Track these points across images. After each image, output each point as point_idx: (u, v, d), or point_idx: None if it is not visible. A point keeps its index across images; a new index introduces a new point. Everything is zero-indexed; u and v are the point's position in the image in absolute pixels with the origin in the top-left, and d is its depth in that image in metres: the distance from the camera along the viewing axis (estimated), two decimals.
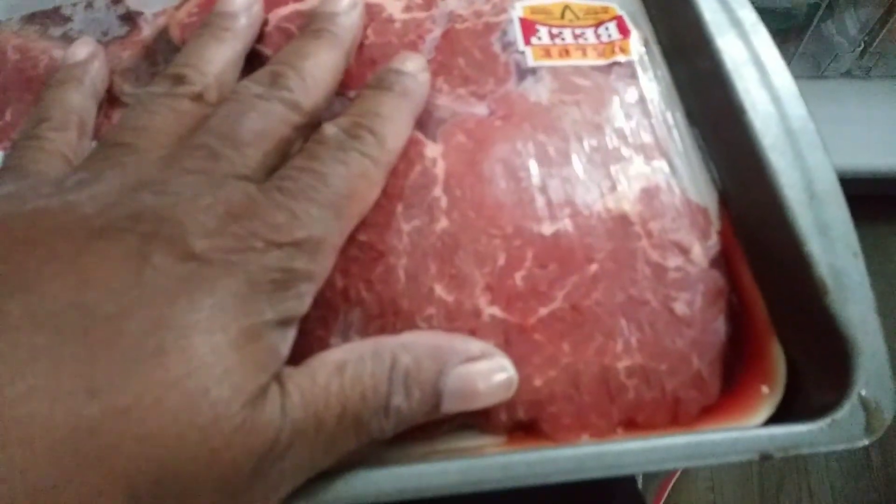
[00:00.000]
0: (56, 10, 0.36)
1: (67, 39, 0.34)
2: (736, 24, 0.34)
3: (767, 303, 0.29)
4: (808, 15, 0.83)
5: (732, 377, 0.28)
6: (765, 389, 0.27)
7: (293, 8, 0.36)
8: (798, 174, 0.29)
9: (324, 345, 0.27)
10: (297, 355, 0.26)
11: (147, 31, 0.35)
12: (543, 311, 0.27)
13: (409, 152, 0.31)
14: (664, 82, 0.35)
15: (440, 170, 0.31)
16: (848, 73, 0.89)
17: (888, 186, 0.86)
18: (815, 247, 0.27)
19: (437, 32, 0.36)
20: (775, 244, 0.29)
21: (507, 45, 0.35)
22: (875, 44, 0.84)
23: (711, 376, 0.27)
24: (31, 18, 0.36)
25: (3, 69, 0.33)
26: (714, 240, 0.30)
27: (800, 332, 0.28)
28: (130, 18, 0.35)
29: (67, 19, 0.35)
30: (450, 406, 0.24)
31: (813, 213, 0.28)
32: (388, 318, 0.27)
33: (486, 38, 0.36)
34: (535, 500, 0.32)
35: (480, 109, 0.33)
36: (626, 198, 0.30)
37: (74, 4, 0.36)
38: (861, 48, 0.85)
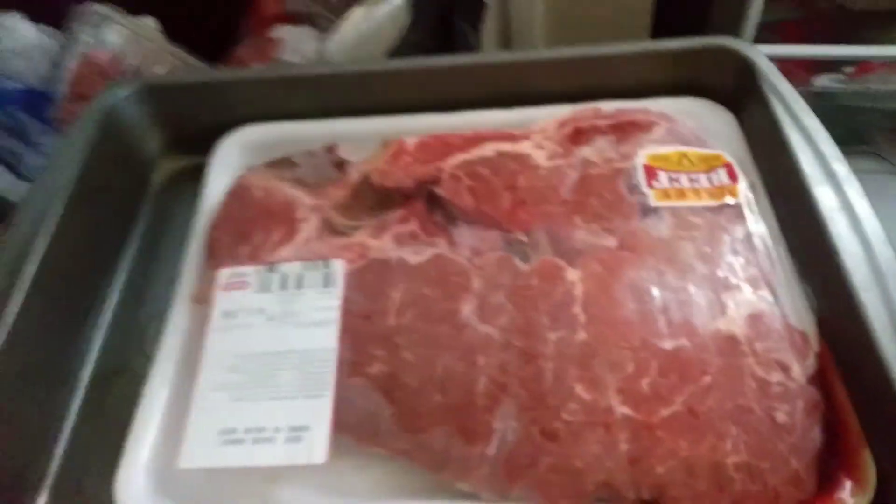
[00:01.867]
0: (287, 158, 0.48)
1: (297, 181, 0.46)
2: (830, 176, 0.41)
3: (860, 418, 0.34)
4: None
5: (828, 481, 0.33)
6: (856, 490, 0.33)
7: (461, 157, 0.46)
8: (884, 310, 0.35)
9: (489, 427, 0.35)
10: (468, 432, 0.35)
11: (354, 176, 0.46)
12: (665, 412, 0.34)
13: (553, 276, 0.40)
14: (768, 221, 0.42)
15: (579, 291, 0.39)
16: None
17: None
18: None
19: (574, 176, 0.45)
20: (866, 369, 0.34)
21: (633, 188, 0.44)
22: None
23: (808, 476, 0.33)
24: (270, 165, 0.48)
25: (253, 204, 0.45)
26: (811, 360, 0.36)
27: (889, 446, 0.33)
28: (341, 165, 0.47)
29: (295, 165, 0.47)
30: None
31: None
32: (539, 410, 0.35)
33: (614, 181, 0.44)
34: None
35: (610, 242, 0.41)
36: (735, 321, 0.37)
37: (301, 154, 0.48)
38: None
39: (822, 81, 0.82)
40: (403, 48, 0.65)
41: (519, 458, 0.34)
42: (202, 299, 0.42)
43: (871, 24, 0.83)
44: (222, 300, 0.41)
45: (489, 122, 0.49)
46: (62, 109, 0.64)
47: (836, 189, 0.40)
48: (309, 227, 0.43)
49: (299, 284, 0.41)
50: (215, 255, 0.44)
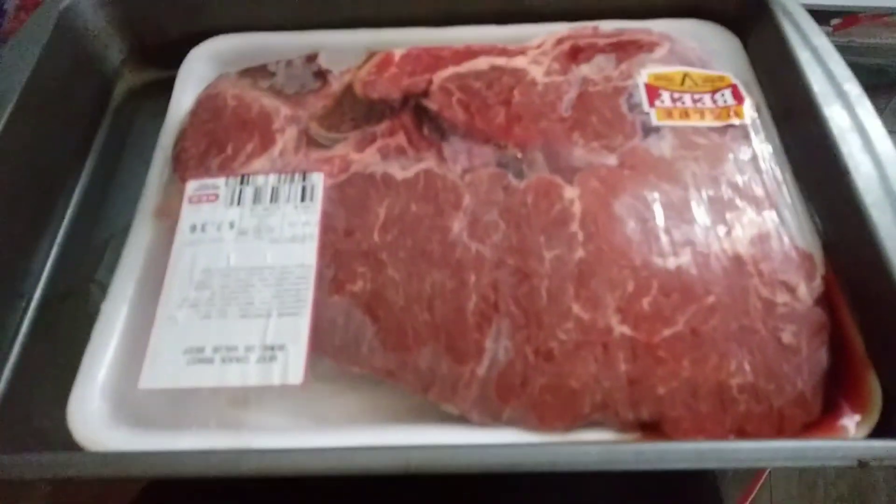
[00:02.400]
0: (263, 66, 0.44)
1: (274, 91, 0.43)
2: (842, 95, 0.38)
3: (865, 340, 0.33)
4: None
5: (833, 401, 0.32)
6: (861, 413, 0.31)
7: (453, 70, 0.43)
8: None
9: (480, 346, 0.33)
10: (457, 351, 0.32)
11: (335, 85, 0.42)
12: (667, 332, 0.32)
13: (550, 193, 0.37)
14: (774, 143, 0.40)
15: (577, 209, 0.36)
16: None
17: None
18: None
19: (572, 94, 0.42)
20: (874, 290, 0.33)
21: (634, 107, 0.41)
22: None
23: (814, 397, 0.31)
24: (244, 73, 0.44)
25: (225, 113, 0.41)
26: (818, 282, 0.34)
27: (894, 366, 0.31)
28: (322, 75, 0.43)
29: (272, 74, 0.44)
30: None
31: None
32: (533, 328, 0.33)
33: (615, 99, 0.42)
34: (630, 489, 0.35)
35: (611, 160, 0.39)
36: (740, 241, 0.35)
37: (277, 62, 0.44)
38: None
39: None
40: None
41: (511, 378, 0.32)
42: (167, 213, 0.39)
43: None
44: (190, 213, 0.38)
45: (482, 37, 0.46)
46: (14, 20, 0.59)
47: (848, 109, 0.38)
48: (286, 139, 0.40)
49: (275, 198, 0.38)
50: (183, 167, 0.40)
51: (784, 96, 0.41)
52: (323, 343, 0.34)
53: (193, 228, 0.37)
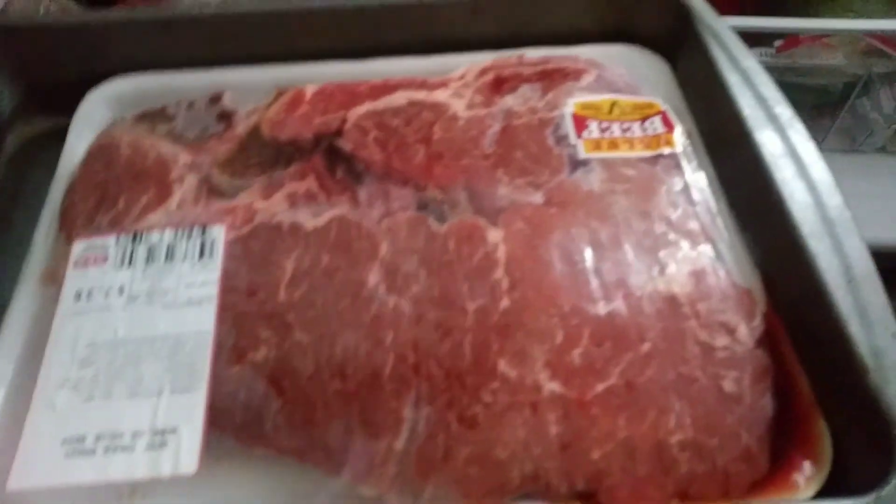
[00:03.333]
0: (162, 109, 0.41)
1: (173, 136, 0.39)
2: (773, 119, 0.37)
3: (812, 381, 0.31)
4: (843, 92, 0.86)
5: (781, 453, 0.30)
6: (812, 465, 0.29)
7: (369, 107, 0.40)
8: (836, 260, 0.31)
9: (398, 416, 0.29)
10: (373, 424, 0.29)
11: (240, 127, 0.39)
12: (600, 386, 0.30)
13: (473, 237, 0.34)
14: (707, 172, 0.38)
15: (501, 253, 0.34)
16: (883, 149, 0.91)
17: None
18: (856, 328, 0.29)
19: (496, 128, 0.40)
20: (817, 326, 0.31)
21: (561, 139, 0.39)
22: None
23: (760, 451, 0.29)
24: (141, 117, 0.41)
25: (118, 164, 0.38)
26: (758, 320, 0.32)
27: (844, 410, 0.29)
28: (226, 117, 0.40)
29: (172, 118, 0.40)
30: None
31: (852, 296, 0.30)
32: (456, 391, 0.30)
33: (541, 132, 0.39)
34: None
35: (537, 198, 0.36)
36: (675, 280, 0.33)
37: (178, 104, 0.41)
38: None
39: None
40: None
41: (433, 450, 0.29)
42: (54, 279, 0.35)
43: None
44: (75, 278, 0.34)
45: (401, 70, 0.44)
46: None
47: (780, 133, 0.36)
48: (185, 189, 0.37)
49: (170, 256, 0.34)
50: (69, 225, 0.36)
51: (715, 122, 0.40)
52: (222, 422, 0.30)
53: (78, 296, 0.33)
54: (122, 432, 0.29)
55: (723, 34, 0.41)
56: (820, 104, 0.88)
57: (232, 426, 0.30)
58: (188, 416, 0.30)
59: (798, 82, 0.89)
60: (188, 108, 0.40)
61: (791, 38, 0.79)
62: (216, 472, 0.29)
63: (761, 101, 0.38)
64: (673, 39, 0.45)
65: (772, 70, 0.83)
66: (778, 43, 0.80)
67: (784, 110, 0.37)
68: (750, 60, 0.40)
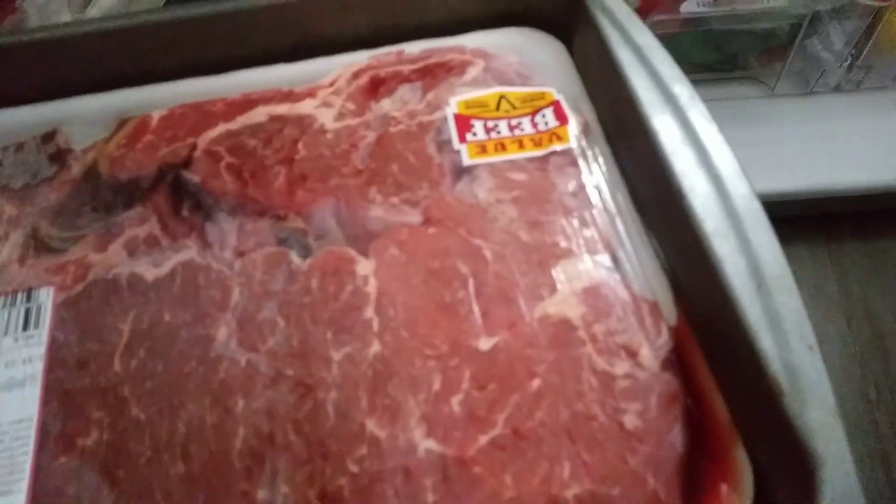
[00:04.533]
0: None
1: None
2: (670, 100, 0.33)
3: (728, 402, 0.27)
4: (790, 33, 0.83)
5: (697, 488, 0.26)
6: (732, 496, 0.25)
7: (223, 128, 0.35)
8: (744, 260, 0.27)
9: (250, 499, 0.25)
10: None
11: (76, 168, 0.34)
12: (483, 438, 0.26)
13: (340, 271, 0.30)
14: (607, 167, 0.34)
15: (372, 288, 0.29)
16: (838, 88, 0.87)
17: (885, 200, 0.84)
18: (767, 342, 0.25)
19: (371, 138, 0.35)
20: (728, 338, 0.27)
21: (443, 145, 0.34)
22: (862, 56, 0.83)
23: (669, 495, 0.25)
24: None
25: None
26: (665, 338, 0.28)
27: (762, 436, 0.25)
28: (60, 157, 0.35)
29: None
30: None
31: (762, 302, 0.26)
32: (318, 462, 0.26)
33: (420, 139, 0.35)
34: None
35: (414, 217, 0.32)
36: (567, 300, 0.29)
37: (5, 148, 0.36)
38: (848, 62, 0.84)
39: (690, 6, 0.77)
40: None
41: None
42: None
43: None
44: None
45: (267, 81, 0.39)
46: None
47: (679, 117, 0.32)
48: (8, 247, 0.32)
49: None
50: None
51: (613, 108, 0.35)
52: None
53: None
54: None
55: (614, 7, 0.37)
56: (768, 48, 0.85)
57: None
58: None
59: (743, 29, 0.85)
60: (16, 151, 0.35)
61: None
62: None
63: (658, 80, 0.33)
64: (567, 18, 0.40)
65: (713, 20, 0.79)
66: None
67: (683, 89, 0.33)
68: (645, 36, 0.35)
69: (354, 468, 0.25)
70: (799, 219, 0.78)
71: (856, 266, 0.81)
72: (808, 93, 0.89)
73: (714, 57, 0.85)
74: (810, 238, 0.83)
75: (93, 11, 0.51)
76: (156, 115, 0.36)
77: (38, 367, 0.28)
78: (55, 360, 0.29)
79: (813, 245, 0.82)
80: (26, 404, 0.28)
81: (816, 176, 0.79)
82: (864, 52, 0.82)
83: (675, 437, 0.26)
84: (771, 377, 0.25)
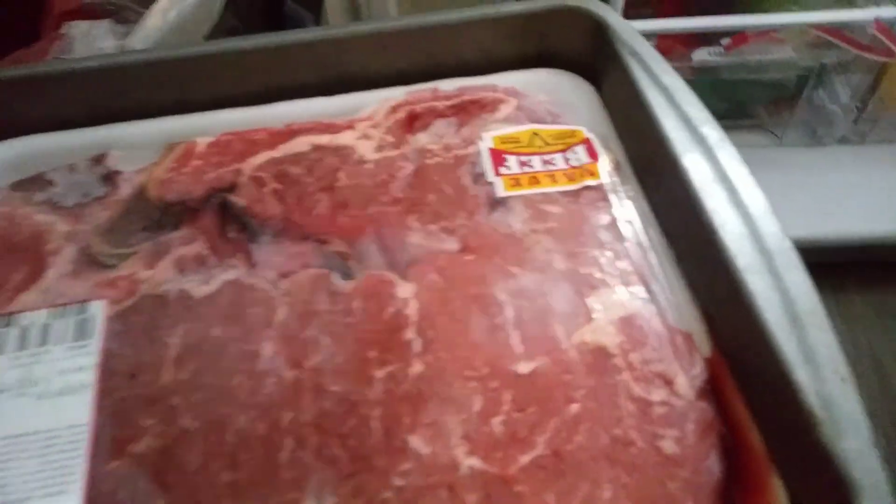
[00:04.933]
0: (40, 175, 0.37)
1: (50, 204, 0.35)
2: (700, 141, 0.34)
3: (763, 433, 0.27)
4: (798, 85, 0.85)
5: None
6: None
7: (267, 156, 0.37)
8: (777, 296, 0.28)
9: None
10: None
11: (126, 190, 0.36)
12: (524, 458, 0.26)
13: (381, 293, 0.31)
14: (637, 203, 0.35)
15: (413, 310, 0.30)
16: (844, 140, 0.90)
17: (890, 252, 0.85)
18: (802, 374, 0.26)
19: (408, 170, 0.36)
20: (762, 371, 0.28)
21: (478, 178, 0.36)
22: (868, 109, 0.85)
23: None
24: (17, 186, 0.37)
25: None
26: (699, 368, 0.29)
27: (798, 466, 0.26)
28: (110, 178, 0.36)
29: (50, 184, 0.36)
30: None
31: (796, 336, 0.27)
32: (363, 475, 0.26)
33: (455, 171, 0.36)
34: None
35: (451, 245, 0.33)
36: (604, 329, 0.30)
37: (57, 169, 0.37)
38: (854, 115, 0.87)
39: (701, 55, 0.79)
40: (220, 37, 0.55)
41: None
42: None
43: None
44: None
45: (307, 113, 0.40)
46: None
47: (709, 156, 0.33)
48: (62, 262, 0.33)
49: (44, 340, 0.30)
50: None
51: (642, 147, 0.37)
52: None
53: None
54: None
55: (641, 50, 0.39)
56: (777, 99, 0.87)
57: None
58: None
59: (752, 79, 0.88)
60: (69, 171, 0.37)
61: (739, 36, 0.78)
62: None
63: (686, 121, 0.35)
64: (595, 60, 0.42)
65: (723, 69, 0.82)
66: (726, 41, 0.79)
67: (711, 131, 0.34)
68: (671, 77, 0.37)
69: (399, 482, 0.26)
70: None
71: (862, 317, 0.82)
72: (815, 144, 0.91)
73: (724, 106, 0.88)
74: (816, 287, 0.84)
75: (135, 40, 0.53)
76: (202, 142, 0.38)
77: (91, 376, 0.29)
78: (107, 369, 0.29)
79: (819, 294, 0.83)
80: (79, 410, 0.28)
81: (822, 226, 0.81)
82: (870, 106, 0.84)
83: (713, 463, 0.27)
84: (807, 408, 0.25)
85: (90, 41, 0.55)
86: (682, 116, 0.35)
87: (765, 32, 0.78)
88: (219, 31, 0.54)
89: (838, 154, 0.89)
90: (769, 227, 0.31)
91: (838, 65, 0.81)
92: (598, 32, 0.41)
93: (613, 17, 0.40)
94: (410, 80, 0.42)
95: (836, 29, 0.74)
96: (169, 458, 0.27)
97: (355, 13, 0.60)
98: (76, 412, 0.28)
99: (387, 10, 0.60)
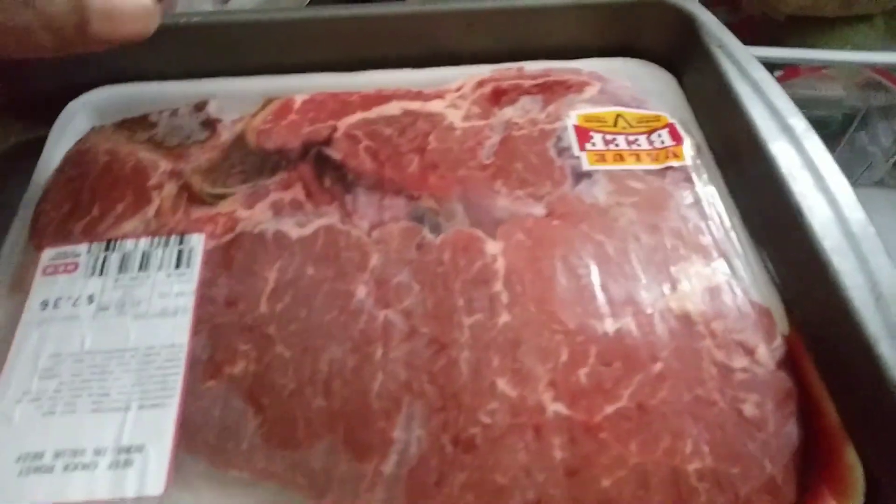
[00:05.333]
0: (144, 117, 0.39)
1: (152, 143, 0.37)
2: (787, 130, 0.35)
3: (839, 409, 0.28)
4: (842, 125, 0.85)
5: (808, 484, 0.27)
6: (842, 499, 0.26)
7: (360, 116, 0.38)
8: (862, 277, 0.29)
9: (386, 437, 0.27)
10: (360, 446, 0.26)
11: (225, 136, 0.37)
12: (609, 409, 0.27)
13: (470, 248, 0.32)
14: (718, 186, 0.36)
15: (500, 266, 0.31)
16: (881, 182, 0.89)
17: None
18: (886, 349, 0.27)
19: (495, 139, 0.38)
20: (843, 348, 0.28)
21: (563, 151, 0.37)
22: None
23: (786, 482, 0.26)
24: (121, 125, 0.39)
25: (94, 170, 0.36)
26: (779, 341, 0.30)
27: (876, 440, 0.27)
28: (210, 124, 0.38)
29: (153, 125, 0.38)
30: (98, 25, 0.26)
31: (881, 315, 0.28)
32: (451, 411, 0.27)
33: (541, 144, 0.37)
34: None
35: (538, 210, 0.34)
36: (688, 297, 0.30)
37: (160, 112, 0.39)
38: (894, 159, 0.87)
39: None
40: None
41: (425, 475, 0.26)
42: (21, 287, 0.32)
43: (794, 31, 0.82)
44: (42, 286, 0.31)
45: (394, 82, 0.42)
46: None
47: (796, 145, 0.34)
48: (164, 196, 0.34)
49: (145, 265, 0.32)
50: (39, 233, 0.34)
51: (726, 135, 0.38)
52: (194, 440, 0.27)
53: (45, 305, 0.31)
54: (83, 448, 0.26)
55: (731, 45, 0.40)
56: (819, 136, 0.88)
57: (205, 445, 0.27)
58: (157, 433, 0.27)
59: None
60: (171, 115, 0.38)
61: (791, 69, 0.79)
62: (185, 495, 0.26)
63: (774, 111, 0.36)
64: (678, 52, 0.43)
65: None
66: (778, 73, 0.80)
67: (798, 122, 0.35)
68: (761, 72, 0.38)
69: (486, 419, 0.27)
70: None
71: None
72: (852, 184, 0.90)
73: None
74: None
75: (234, 3, 0.55)
76: (298, 99, 0.39)
77: (189, 301, 0.30)
78: (204, 296, 0.31)
79: None
80: (178, 331, 0.30)
81: None
82: None
83: (791, 430, 0.27)
84: (890, 381, 0.26)
85: (190, 2, 0.57)
86: (770, 106, 0.36)
87: (817, 69, 0.79)
88: (317, 1, 0.56)
89: (874, 196, 0.89)
90: (855, 213, 0.31)
91: (882, 108, 0.81)
92: (685, 26, 0.42)
93: (702, 13, 0.41)
94: (495, 60, 0.43)
95: (888, 71, 0.75)
96: (263, 382, 0.28)
97: None
98: (175, 333, 0.30)
99: None
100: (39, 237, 0.34)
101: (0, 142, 0.45)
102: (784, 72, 0.80)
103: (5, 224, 0.37)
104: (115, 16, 0.27)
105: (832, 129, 0.87)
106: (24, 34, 0.26)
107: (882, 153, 0.86)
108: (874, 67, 0.76)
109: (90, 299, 0.31)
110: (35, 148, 0.41)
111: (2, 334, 0.31)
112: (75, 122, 0.41)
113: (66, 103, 0.42)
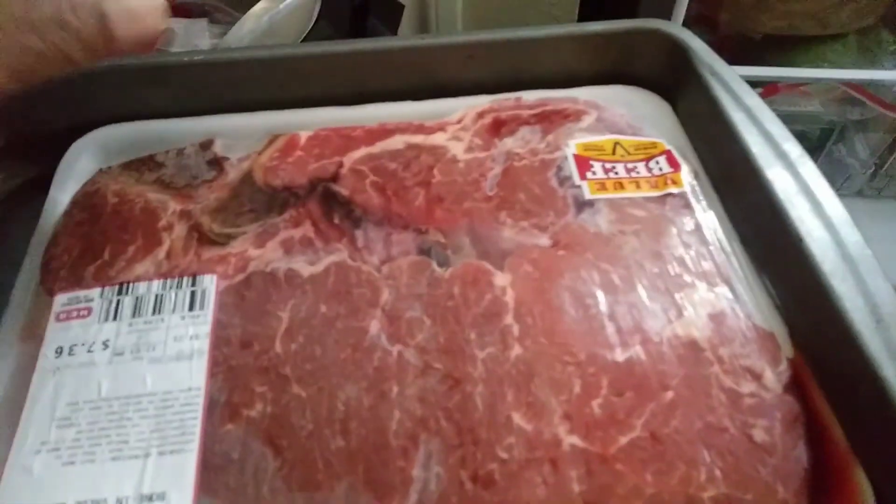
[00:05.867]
0: (151, 157, 0.39)
1: (160, 183, 0.38)
2: (782, 156, 0.36)
3: (846, 431, 0.29)
4: (820, 138, 0.87)
5: None
6: None
7: (365, 151, 0.39)
8: (861, 299, 0.30)
9: (406, 476, 0.27)
10: (380, 485, 0.27)
11: (232, 174, 0.38)
12: (623, 439, 0.28)
13: (479, 281, 0.33)
14: (717, 211, 0.37)
15: (510, 298, 0.32)
16: (860, 193, 0.92)
17: None
18: (889, 371, 0.27)
19: (497, 170, 0.38)
20: (847, 370, 0.29)
21: (564, 180, 0.38)
22: (886, 166, 0.87)
23: None
24: (128, 166, 0.39)
25: (104, 213, 0.36)
26: (784, 365, 0.30)
27: (884, 460, 0.27)
28: (217, 163, 0.38)
29: (161, 165, 0.39)
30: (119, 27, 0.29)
31: (881, 336, 0.28)
32: (468, 447, 0.28)
33: (543, 174, 0.38)
34: None
35: (543, 240, 0.35)
36: (694, 324, 0.31)
37: (167, 152, 0.39)
38: (872, 170, 0.89)
39: None
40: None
41: None
42: (34, 335, 0.33)
43: (771, 49, 0.84)
44: (56, 333, 0.32)
45: (395, 115, 0.43)
46: None
47: (791, 170, 0.35)
48: (174, 237, 0.35)
49: (158, 308, 0.32)
50: (51, 278, 0.34)
51: (722, 161, 0.39)
52: (214, 485, 0.28)
53: (59, 352, 0.31)
54: (104, 499, 0.27)
55: (723, 73, 0.41)
56: None
57: (225, 489, 0.27)
58: (177, 479, 0.27)
59: None
60: (177, 155, 0.39)
61: (770, 86, 0.81)
62: None
63: (768, 138, 0.37)
64: (671, 79, 0.44)
65: None
66: (758, 91, 0.82)
67: (793, 147, 0.36)
68: (753, 98, 0.39)
69: (504, 455, 0.27)
70: None
71: None
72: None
73: None
74: None
75: (229, 39, 0.56)
76: (303, 135, 0.40)
77: (205, 343, 0.31)
78: (219, 338, 0.31)
79: None
80: (194, 375, 0.30)
81: None
82: (888, 163, 0.87)
83: (801, 453, 0.28)
84: (894, 402, 0.27)
85: (189, 37, 0.57)
86: (764, 133, 0.37)
87: (796, 85, 0.81)
88: (312, 38, 0.57)
89: (854, 206, 0.91)
90: (851, 236, 0.32)
91: (860, 122, 0.83)
92: (677, 53, 0.43)
93: (694, 41, 0.43)
94: (493, 90, 0.44)
95: (862, 87, 0.77)
96: (281, 423, 0.29)
97: (425, 30, 0.63)
98: (191, 376, 0.30)
99: (455, 27, 0.63)
100: (51, 282, 0.34)
101: (5, 180, 0.45)
102: (764, 89, 0.82)
103: (14, 265, 0.37)
104: (133, 15, 0.30)
105: (811, 143, 0.89)
106: (59, 54, 0.27)
107: (860, 165, 0.88)
108: (850, 84, 0.78)
109: (105, 345, 0.31)
110: (40, 186, 0.42)
111: (14, 382, 0.31)
112: (80, 160, 0.42)
113: (70, 142, 0.43)
